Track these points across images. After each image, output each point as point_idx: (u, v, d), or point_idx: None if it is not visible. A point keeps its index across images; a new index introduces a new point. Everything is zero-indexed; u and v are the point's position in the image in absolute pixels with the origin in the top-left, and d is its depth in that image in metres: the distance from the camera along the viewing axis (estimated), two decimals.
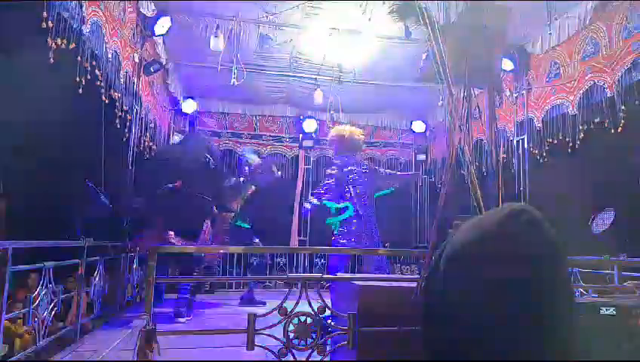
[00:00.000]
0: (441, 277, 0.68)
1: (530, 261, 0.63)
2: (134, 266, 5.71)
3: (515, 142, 6.11)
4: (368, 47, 6.22)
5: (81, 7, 3.71)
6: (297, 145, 8.79)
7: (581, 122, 4.98)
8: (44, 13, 3.19)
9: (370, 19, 4.96)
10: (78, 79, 3.72)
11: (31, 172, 5.35)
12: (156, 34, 5.40)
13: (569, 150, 5.08)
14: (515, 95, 6.15)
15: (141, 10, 5.17)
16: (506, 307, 0.62)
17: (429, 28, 2.68)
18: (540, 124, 5.68)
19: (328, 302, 2.62)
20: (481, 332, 0.62)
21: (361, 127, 9.15)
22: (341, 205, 5.23)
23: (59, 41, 3.35)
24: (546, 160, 5.57)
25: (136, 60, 5.37)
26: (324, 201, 5.30)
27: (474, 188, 2.53)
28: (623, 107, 4.41)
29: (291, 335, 2.42)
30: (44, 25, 3.19)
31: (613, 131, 4.50)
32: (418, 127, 8.92)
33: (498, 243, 0.65)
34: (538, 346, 0.60)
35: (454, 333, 0.66)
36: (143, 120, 5.86)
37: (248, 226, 5.76)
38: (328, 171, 5.52)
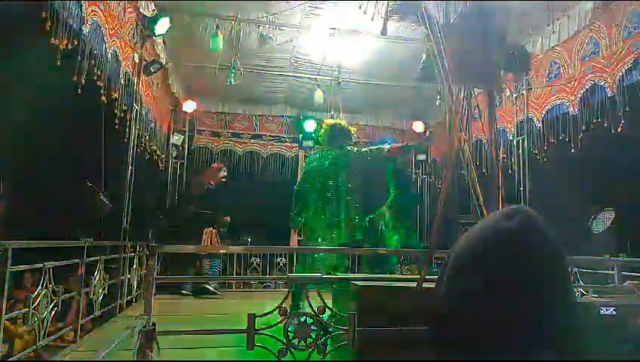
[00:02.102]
0: (445, 279, 0.68)
1: (527, 259, 0.63)
2: (134, 266, 5.71)
3: (515, 142, 6.11)
4: (368, 47, 6.21)
5: (81, 7, 3.71)
6: (297, 145, 8.79)
7: (581, 122, 4.98)
8: (44, 14, 3.19)
9: (372, 19, 4.90)
10: (77, 79, 3.71)
11: (31, 172, 5.36)
12: (156, 34, 5.40)
13: (569, 150, 5.07)
14: (515, 95, 6.15)
15: (141, 10, 5.17)
16: (502, 306, 0.62)
17: (429, 28, 2.68)
18: (540, 124, 5.67)
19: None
20: (478, 334, 0.62)
21: (361, 127, 9.20)
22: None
23: (58, 41, 3.35)
24: (545, 160, 5.57)
25: (136, 60, 5.37)
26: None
27: (474, 187, 2.54)
28: (623, 107, 4.41)
29: (291, 335, 2.42)
30: (43, 25, 3.19)
31: (613, 131, 4.49)
32: (418, 127, 8.92)
33: (494, 243, 0.65)
34: (537, 346, 0.60)
35: (454, 335, 0.66)
36: (143, 120, 5.86)
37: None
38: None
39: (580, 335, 0.64)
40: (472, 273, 0.63)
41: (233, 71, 6.17)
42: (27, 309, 3.02)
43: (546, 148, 5.56)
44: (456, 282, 0.65)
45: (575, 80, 5.12)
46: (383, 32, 4.75)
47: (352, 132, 5.15)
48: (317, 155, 5.04)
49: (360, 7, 4.95)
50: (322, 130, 5.06)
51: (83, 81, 3.74)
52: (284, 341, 2.40)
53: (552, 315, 0.59)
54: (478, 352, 0.60)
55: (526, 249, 0.61)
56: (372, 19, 4.85)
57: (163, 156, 7.60)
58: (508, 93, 6.19)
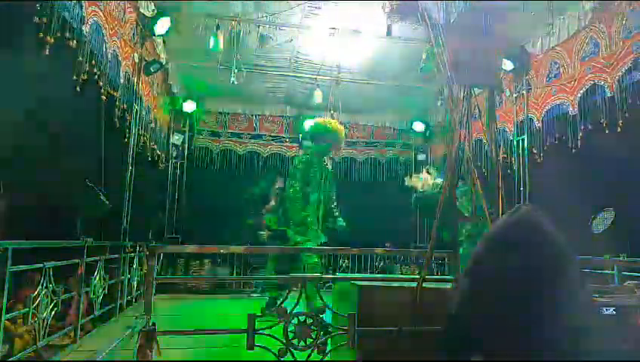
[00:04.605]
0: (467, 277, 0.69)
1: (539, 259, 0.63)
2: (134, 266, 5.71)
3: (515, 142, 6.11)
4: (368, 47, 6.21)
5: (81, 7, 3.71)
6: (297, 145, 8.79)
7: (581, 122, 4.98)
8: (44, 13, 3.19)
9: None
10: (78, 79, 3.71)
11: (31, 172, 5.35)
12: (156, 34, 5.40)
13: (569, 150, 5.07)
14: (515, 95, 6.15)
15: (141, 10, 5.17)
16: (516, 306, 0.62)
17: (429, 28, 2.68)
18: (540, 124, 5.67)
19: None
20: (487, 326, 0.63)
21: (361, 127, 9.22)
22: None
23: (59, 41, 3.35)
24: (544, 160, 5.57)
25: (136, 60, 5.37)
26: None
27: (476, 186, 2.54)
28: (623, 107, 4.41)
29: (291, 335, 2.42)
30: (43, 25, 3.19)
31: (613, 131, 4.49)
32: (418, 127, 8.93)
33: (504, 240, 0.65)
34: (539, 341, 0.60)
35: (467, 328, 0.66)
36: (143, 120, 5.86)
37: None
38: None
39: (586, 336, 0.63)
40: (486, 275, 0.63)
41: (234, 71, 6.17)
42: (27, 309, 3.02)
43: (545, 148, 5.56)
44: (471, 283, 0.65)
45: (575, 80, 5.12)
46: (389, 33, 4.79)
47: (339, 132, 5.13)
48: (303, 158, 5.08)
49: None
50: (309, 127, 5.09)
51: (83, 80, 3.74)
52: (284, 341, 2.40)
53: (554, 312, 0.59)
54: (491, 348, 0.60)
55: (538, 249, 0.61)
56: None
57: (163, 156, 7.60)
58: (508, 93, 6.19)
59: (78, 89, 3.67)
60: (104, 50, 4.24)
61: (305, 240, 4.80)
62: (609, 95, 4.60)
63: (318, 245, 4.79)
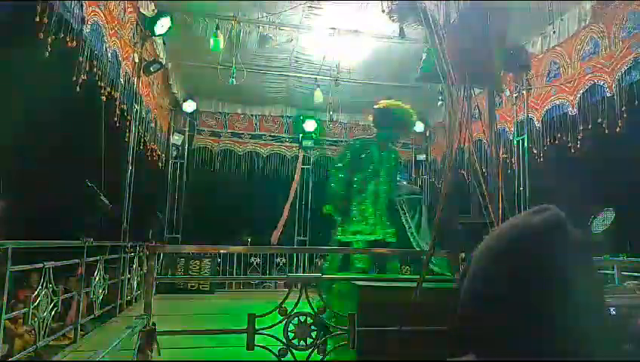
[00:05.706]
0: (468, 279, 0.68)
1: (551, 258, 0.62)
2: (134, 266, 5.71)
3: (515, 142, 6.11)
4: (368, 47, 6.21)
5: (81, 7, 3.71)
6: (297, 145, 8.79)
7: (581, 122, 4.98)
8: (44, 13, 3.19)
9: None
10: (78, 79, 3.71)
11: (31, 172, 5.35)
12: (156, 34, 5.40)
13: (569, 150, 5.07)
14: (515, 95, 6.15)
15: (141, 10, 5.17)
16: (522, 307, 0.61)
17: (429, 28, 2.68)
18: (540, 124, 5.67)
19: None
20: (496, 333, 0.62)
21: (361, 126, 9.22)
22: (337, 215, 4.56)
23: (59, 41, 3.35)
24: (544, 160, 5.57)
25: (136, 60, 5.37)
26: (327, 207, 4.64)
27: (479, 187, 2.54)
28: (622, 107, 4.41)
29: (291, 335, 2.42)
30: (43, 25, 3.18)
31: (613, 131, 4.50)
32: (418, 127, 8.92)
33: (517, 242, 0.65)
34: (555, 347, 0.60)
35: (473, 335, 0.65)
36: (143, 120, 5.86)
37: None
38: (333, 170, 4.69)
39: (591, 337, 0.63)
40: (494, 273, 0.62)
41: (234, 71, 6.17)
42: (27, 309, 3.02)
43: (545, 148, 5.56)
44: (478, 282, 0.64)
45: (575, 80, 5.12)
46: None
47: (410, 116, 4.72)
48: (356, 143, 4.73)
49: (383, 12, 4.81)
50: (376, 110, 4.65)
51: (81, 80, 3.74)
52: (284, 341, 2.40)
53: (573, 317, 0.58)
54: (499, 351, 0.60)
55: (550, 249, 0.60)
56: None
57: (163, 156, 7.61)
58: (508, 93, 6.18)
59: (78, 89, 3.67)
60: (104, 50, 4.24)
61: (355, 233, 4.38)
62: (608, 95, 4.60)
63: (370, 243, 4.36)
